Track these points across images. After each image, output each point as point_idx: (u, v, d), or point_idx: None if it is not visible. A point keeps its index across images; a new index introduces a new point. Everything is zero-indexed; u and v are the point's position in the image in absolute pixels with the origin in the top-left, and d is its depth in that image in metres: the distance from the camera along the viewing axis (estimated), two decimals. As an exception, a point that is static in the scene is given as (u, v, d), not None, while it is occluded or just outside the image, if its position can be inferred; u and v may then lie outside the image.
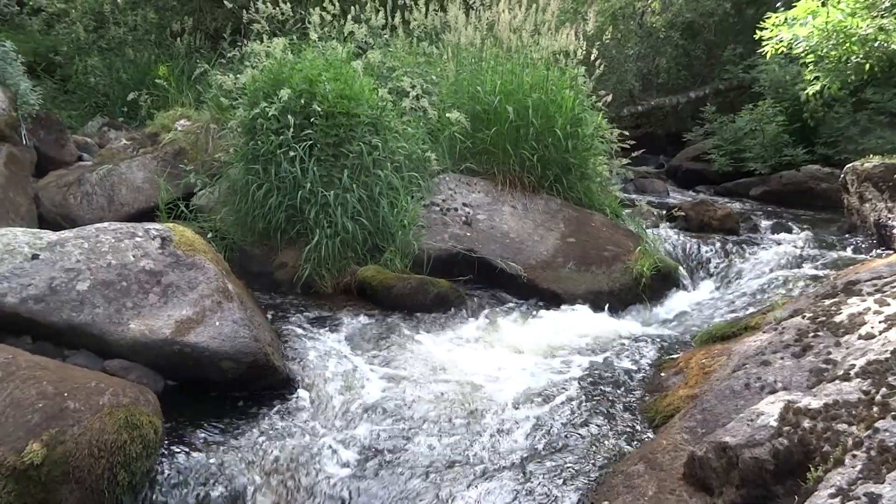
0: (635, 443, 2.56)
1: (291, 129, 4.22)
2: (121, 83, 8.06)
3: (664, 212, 6.42)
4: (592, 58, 5.78)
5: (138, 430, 2.13)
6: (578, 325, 3.95)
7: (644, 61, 11.99)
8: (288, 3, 5.41)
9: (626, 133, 5.99)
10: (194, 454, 2.31)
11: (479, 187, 5.20)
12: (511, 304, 4.32)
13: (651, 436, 2.59)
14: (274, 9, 5.42)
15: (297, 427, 2.56)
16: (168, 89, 6.98)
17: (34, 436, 1.98)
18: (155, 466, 2.20)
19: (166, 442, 2.32)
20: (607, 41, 8.32)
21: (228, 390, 2.83)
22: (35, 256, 2.68)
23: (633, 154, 6.20)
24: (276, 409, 2.69)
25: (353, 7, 5.65)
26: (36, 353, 2.44)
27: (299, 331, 3.55)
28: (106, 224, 2.96)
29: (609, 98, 5.92)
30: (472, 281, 4.53)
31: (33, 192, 5.13)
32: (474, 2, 5.94)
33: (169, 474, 2.21)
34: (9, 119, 5.12)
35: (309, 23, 5.22)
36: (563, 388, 3.00)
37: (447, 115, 5.07)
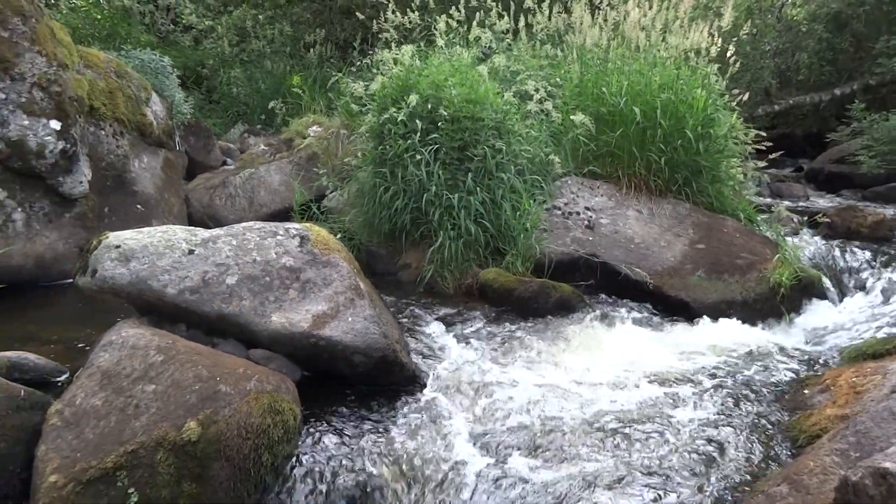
0: (777, 463, 2.41)
1: (418, 134, 4.34)
2: (259, 93, 8.64)
3: (805, 218, 5.97)
4: (727, 55, 5.50)
5: (280, 416, 2.28)
6: (710, 335, 3.77)
7: (782, 57, 11.22)
8: (416, 12, 5.56)
9: (763, 134, 5.64)
10: (329, 443, 2.43)
11: (602, 191, 5.09)
12: (636, 311, 4.19)
13: (794, 456, 2.42)
14: (402, 17, 5.59)
15: (425, 423, 2.62)
16: (301, 97, 7.40)
17: (191, 415, 2.16)
18: (294, 451, 2.34)
19: (303, 429, 2.46)
20: (743, 37, 7.87)
21: (358, 384, 2.95)
22: (191, 252, 2.93)
23: (770, 156, 5.82)
24: (404, 404, 2.77)
25: (477, 13, 5.72)
26: (190, 340, 2.67)
27: (423, 330, 3.65)
28: (251, 223, 3.17)
29: (744, 97, 5.61)
30: (595, 286, 4.44)
31: (184, 193, 5.61)
32: (601, 2, 5.83)
33: (306, 460, 2.34)
34: (165, 127, 5.64)
35: (435, 29, 5.34)
36: (696, 401, 2.87)
37: (571, 117, 5.01)
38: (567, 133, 5.19)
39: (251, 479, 2.16)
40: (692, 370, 3.25)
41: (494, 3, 5.87)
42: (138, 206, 4.96)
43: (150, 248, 2.88)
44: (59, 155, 4.23)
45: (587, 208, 4.91)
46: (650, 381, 3.08)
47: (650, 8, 5.49)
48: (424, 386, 2.97)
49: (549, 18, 6.29)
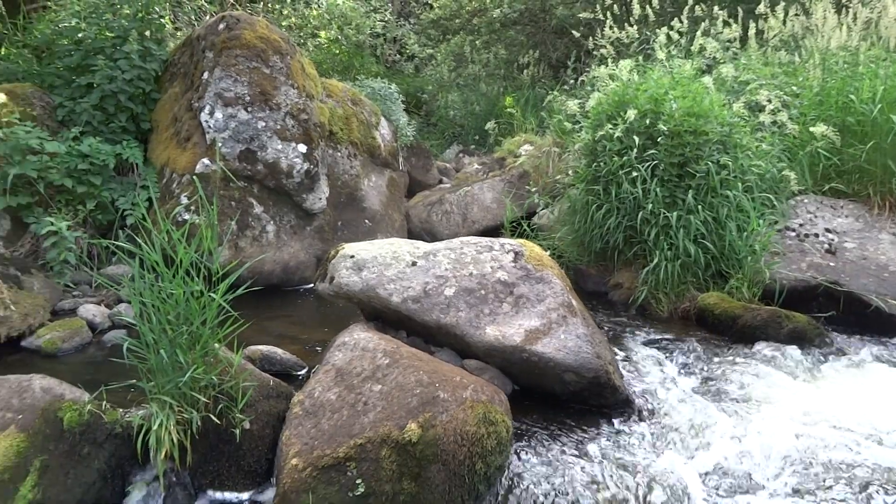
0: None
1: (635, 150, 4.21)
2: (474, 114, 9.03)
3: None
4: None
5: (493, 427, 2.32)
6: None
7: None
8: (634, 26, 5.42)
9: None
10: (539, 461, 2.42)
11: (847, 211, 4.50)
12: (888, 350, 3.62)
13: None
14: (620, 32, 5.48)
15: (639, 451, 2.50)
16: (514, 117, 7.59)
17: (412, 417, 2.29)
18: (505, 463, 2.36)
19: (514, 442, 2.48)
20: None
21: (567, 402, 2.91)
22: (414, 263, 3.13)
23: None
24: (615, 429, 2.67)
25: (702, 22, 5.42)
26: (411, 347, 2.84)
27: (635, 353, 3.49)
28: (468, 238, 3.31)
29: None
30: (836, 318, 3.93)
31: (405, 209, 6.02)
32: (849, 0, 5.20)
33: (517, 475, 2.35)
34: (391, 149, 6.11)
35: (655, 42, 5.16)
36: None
37: (810, 129, 4.51)
38: (804, 146, 4.68)
39: (465, 485, 2.22)
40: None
41: (721, 11, 5.51)
42: (366, 221, 5.42)
43: (378, 259, 3.13)
44: (304, 175, 4.79)
45: (827, 230, 4.37)
46: (911, 433, 2.63)
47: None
48: (636, 412, 2.84)
49: (784, 22, 5.76)
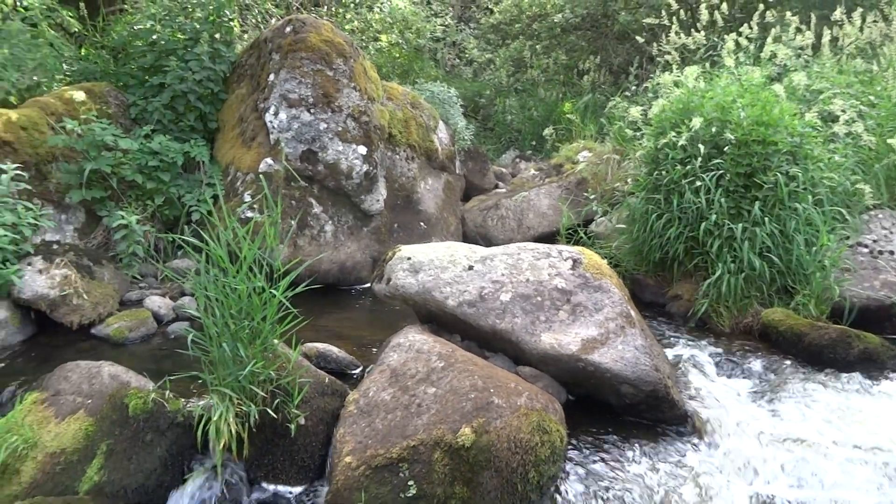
0: None
1: (699, 159, 4.10)
2: (531, 120, 8.97)
3: None
4: None
5: (548, 436, 2.29)
6: None
7: None
8: (701, 32, 5.29)
9: None
10: (593, 475, 2.38)
11: (926, 228, 4.27)
12: (971, 376, 3.41)
13: None
14: (686, 38, 5.35)
15: (698, 471, 2.43)
16: (572, 123, 7.51)
17: (466, 421, 2.28)
18: (558, 473, 2.33)
19: (568, 452, 2.44)
20: None
21: (622, 415, 2.85)
22: (470, 268, 3.12)
23: None
24: (673, 445, 2.60)
25: (772, 28, 5.24)
26: (465, 351, 2.84)
27: (695, 368, 3.39)
28: (525, 244, 3.28)
29: None
30: (912, 341, 3.73)
31: (460, 213, 6.02)
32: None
33: (570, 486, 2.32)
34: (449, 153, 6.12)
35: (722, 48, 5.01)
36: None
37: (887, 140, 4.31)
38: (880, 159, 4.47)
39: (517, 493, 2.20)
40: None
41: (794, 17, 5.32)
42: (421, 224, 5.45)
43: (435, 262, 3.14)
44: (363, 176, 4.85)
45: (905, 248, 4.15)
46: None
47: None
48: (695, 431, 2.75)
49: (861, 29, 5.52)
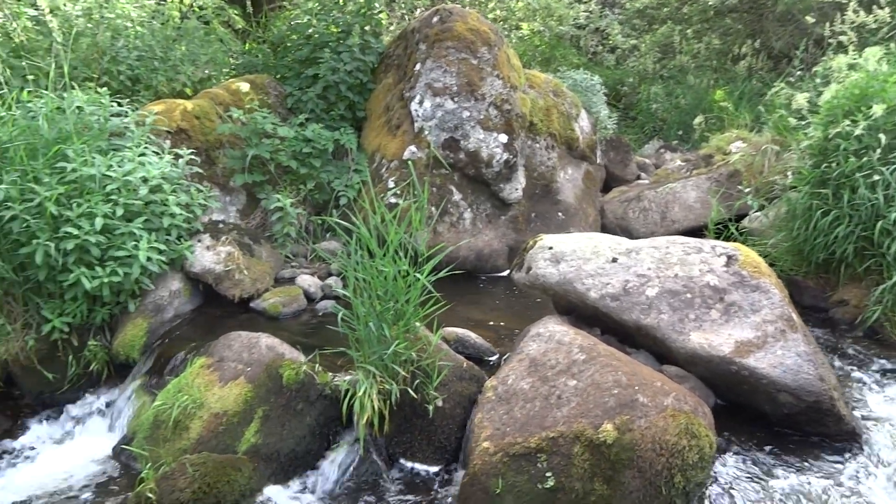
0: None
1: (878, 150, 3.68)
2: (678, 108, 8.50)
3: None
4: None
5: (696, 440, 2.16)
6: None
7: None
8: (885, 9, 4.74)
9: None
10: (745, 485, 2.22)
11: None
12: None
13: None
14: (866, 16, 4.82)
15: (868, 495, 2.19)
16: (723, 112, 7.03)
17: (608, 417, 2.21)
18: (706, 481, 2.20)
19: (717, 460, 2.30)
20: None
21: (778, 426, 2.64)
22: (614, 260, 3.02)
23: None
24: (839, 465, 2.37)
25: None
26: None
27: (864, 381, 3.07)
28: (674, 237, 3.12)
29: None
30: None
31: (599, 204, 5.85)
32: None
33: (718, 495, 2.18)
34: (590, 142, 5.96)
35: (910, 27, 4.47)
36: None
37: None
38: None
39: (661, 496, 2.10)
40: None
41: None
42: (559, 214, 5.36)
43: (577, 253, 3.06)
44: (503, 165, 4.84)
45: None
46: None
47: None
48: (864, 449, 2.49)
49: None
